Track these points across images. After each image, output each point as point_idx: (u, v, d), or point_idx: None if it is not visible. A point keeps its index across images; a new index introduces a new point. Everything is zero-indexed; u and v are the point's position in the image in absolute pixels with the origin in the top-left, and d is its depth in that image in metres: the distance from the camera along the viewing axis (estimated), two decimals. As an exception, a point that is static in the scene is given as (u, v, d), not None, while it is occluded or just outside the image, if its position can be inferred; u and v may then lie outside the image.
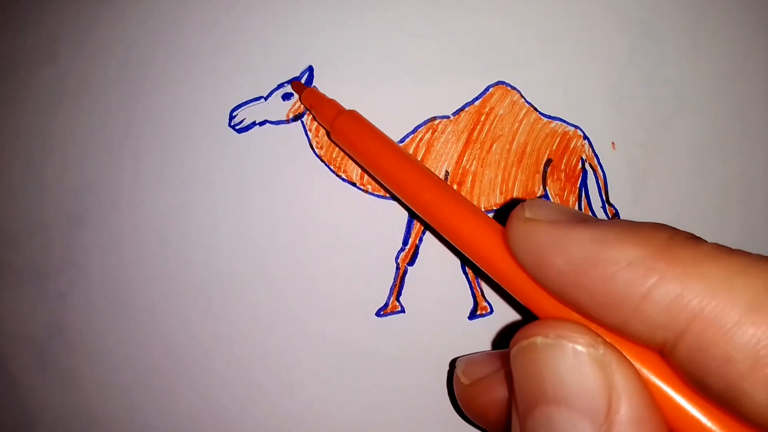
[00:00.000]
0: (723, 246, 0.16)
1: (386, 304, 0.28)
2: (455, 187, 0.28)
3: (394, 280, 0.28)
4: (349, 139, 0.25)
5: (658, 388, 0.16)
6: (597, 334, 0.17)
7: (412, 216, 0.28)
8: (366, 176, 0.28)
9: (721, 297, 0.14)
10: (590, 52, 0.29)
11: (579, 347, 0.16)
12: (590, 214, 0.29)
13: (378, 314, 0.28)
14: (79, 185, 0.29)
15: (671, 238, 0.16)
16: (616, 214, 0.29)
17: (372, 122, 0.26)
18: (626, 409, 0.16)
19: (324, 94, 0.27)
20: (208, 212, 0.28)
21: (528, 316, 0.27)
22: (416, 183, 0.23)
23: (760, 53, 0.30)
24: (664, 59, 0.29)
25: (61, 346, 0.28)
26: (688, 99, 0.29)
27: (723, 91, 0.30)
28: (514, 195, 0.28)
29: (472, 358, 0.25)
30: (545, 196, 0.28)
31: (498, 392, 0.22)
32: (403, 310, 0.28)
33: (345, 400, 0.28)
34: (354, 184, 0.28)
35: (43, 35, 0.30)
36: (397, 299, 0.28)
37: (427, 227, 0.28)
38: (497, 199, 0.28)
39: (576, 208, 0.28)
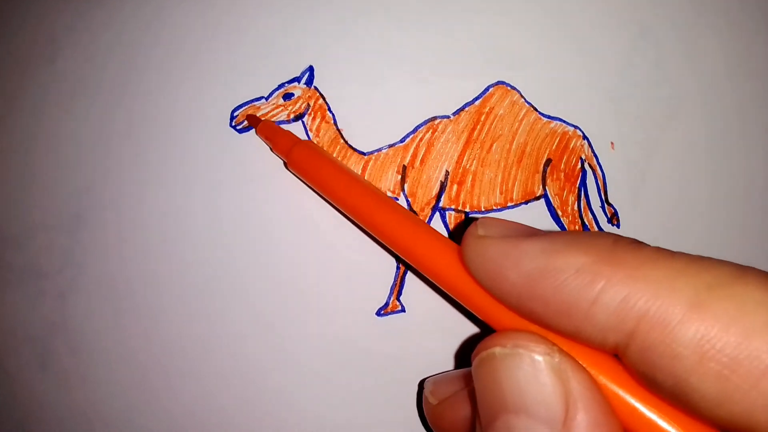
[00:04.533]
0: (664, 249, 0.16)
1: (387, 304, 0.28)
2: (455, 187, 0.28)
3: (395, 280, 0.28)
4: (303, 168, 0.26)
5: (614, 393, 0.17)
6: (553, 342, 0.17)
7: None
8: (366, 176, 0.28)
9: (665, 297, 0.15)
10: (590, 53, 0.29)
11: (536, 356, 0.17)
12: (589, 213, 0.29)
13: (378, 313, 0.28)
14: (79, 185, 0.29)
15: (615, 244, 0.16)
16: (615, 214, 0.29)
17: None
18: (583, 414, 0.16)
19: (279, 126, 0.28)
20: (209, 212, 0.28)
21: (488, 332, 0.28)
22: (370, 208, 0.24)
23: (759, 53, 0.30)
24: (663, 60, 0.30)
25: (61, 346, 0.28)
26: (687, 99, 0.30)
27: (721, 92, 0.30)
28: (514, 195, 0.28)
29: (439, 378, 0.25)
30: (545, 195, 0.28)
31: (464, 410, 0.23)
32: (403, 310, 0.28)
33: (345, 399, 0.28)
34: (354, 184, 0.28)
35: (42, 35, 0.30)
36: (398, 299, 0.28)
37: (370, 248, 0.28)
38: (497, 199, 0.28)
39: (575, 207, 0.29)
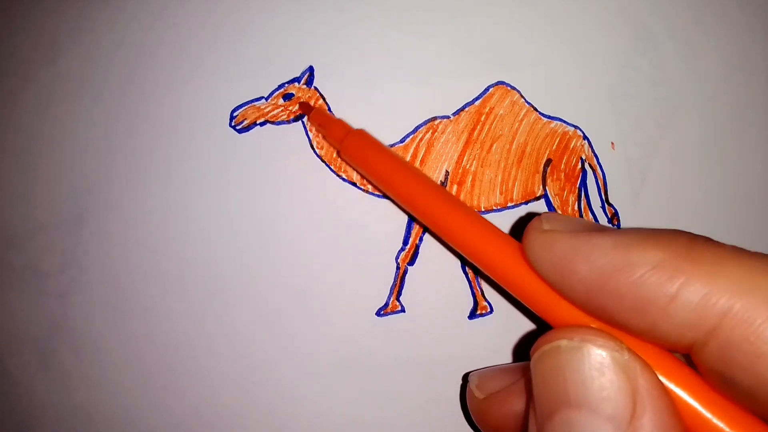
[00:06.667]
0: (742, 248, 0.16)
1: (386, 304, 0.28)
2: (455, 187, 0.28)
3: (395, 280, 0.28)
4: (360, 158, 0.26)
5: (680, 396, 0.17)
6: (620, 340, 0.17)
7: (413, 219, 0.28)
8: (366, 176, 0.28)
9: (749, 295, 0.15)
10: (590, 53, 0.29)
11: (604, 352, 0.17)
12: (590, 213, 0.29)
13: (378, 314, 0.28)
14: (79, 185, 0.29)
15: (692, 241, 0.16)
16: (616, 214, 0.29)
17: (377, 136, 0.26)
18: (650, 415, 0.16)
19: (332, 114, 0.28)
20: (209, 212, 0.28)
21: (538, 323, 0.28)
22: (431, 202, 0.23)
23: (759, 53, 0.30)
24: (663, 60, 0.30)
25: (61, 346, 0.28)
26: (687, 99, 0.30)
27: (722, 91, 0.30)
28: (514, 195, 0.28)
29: (485, 372, 0.25)
30: (545, 195, 0.28)
31: (514, 405, 0.22)
32: (403, 310, 0.28)
33: (345, 400, 0.28)
34: (354, 184, 0.28)
35: (43, 35, 0.30)
36: (398, 299, 0.28)
37: (440, 241, 0.28)
38: (497, 199, 0.28)
39: (575, 207, 0.29)
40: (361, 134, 0.26)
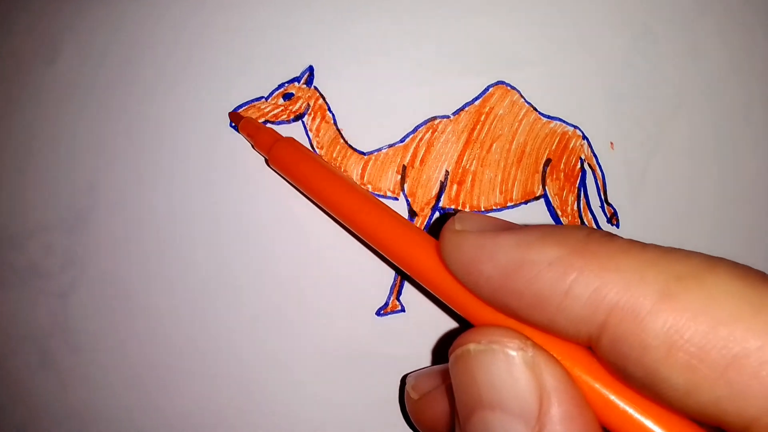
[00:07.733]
0: (636, 241, 0.16)
1: (386, 304, 0.28)
2: (455, 187, 0.28)
3: (395, 280, 0.28)
4: (284, 165, 0.26)
5: (588, 385, 0.17)
6: (526, 337, 0.17)
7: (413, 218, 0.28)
8: (366, 176, 0.28)
9: (635, 288, 0.15)
10: (589, 53, 0.29)
11: (510, 351, 0.17)
12: (589, 213, 0.29)
13: (378, 313, 0.28)
14: (80, 185, 0.29)
15: (587, 237, 0.17)
16: (615, 214, 0.29)
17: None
18: (556, 408, 0.16)
19: (260, 123, 0.28)
20: (209, 212, 0.28)
21: (466, 327, 0.28)
22: (351, 204, 0.24)
23: (759, 53, 0.30)
24: (663, 59, 0.30)
25: (61, 345, 0.28)
26: (687, 99, 0.30)
27: (721, 91, 0.30)
28: (514, 195, 0.28)
29: (421, 373, 0.25)
30: (545, 195, 0.28)
31: (444, 405, 0.23)
32: (403, 310, 0.28)
33: (345, 400, 0.28)
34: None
35: (43, 35, 0.30)
36: (398, 298, 0.28)
37: (370, 248, 0.28)
38: (497, 199, 0.28)
39: (575, 207, 0.29)
40: (289, 142, 0.26)
